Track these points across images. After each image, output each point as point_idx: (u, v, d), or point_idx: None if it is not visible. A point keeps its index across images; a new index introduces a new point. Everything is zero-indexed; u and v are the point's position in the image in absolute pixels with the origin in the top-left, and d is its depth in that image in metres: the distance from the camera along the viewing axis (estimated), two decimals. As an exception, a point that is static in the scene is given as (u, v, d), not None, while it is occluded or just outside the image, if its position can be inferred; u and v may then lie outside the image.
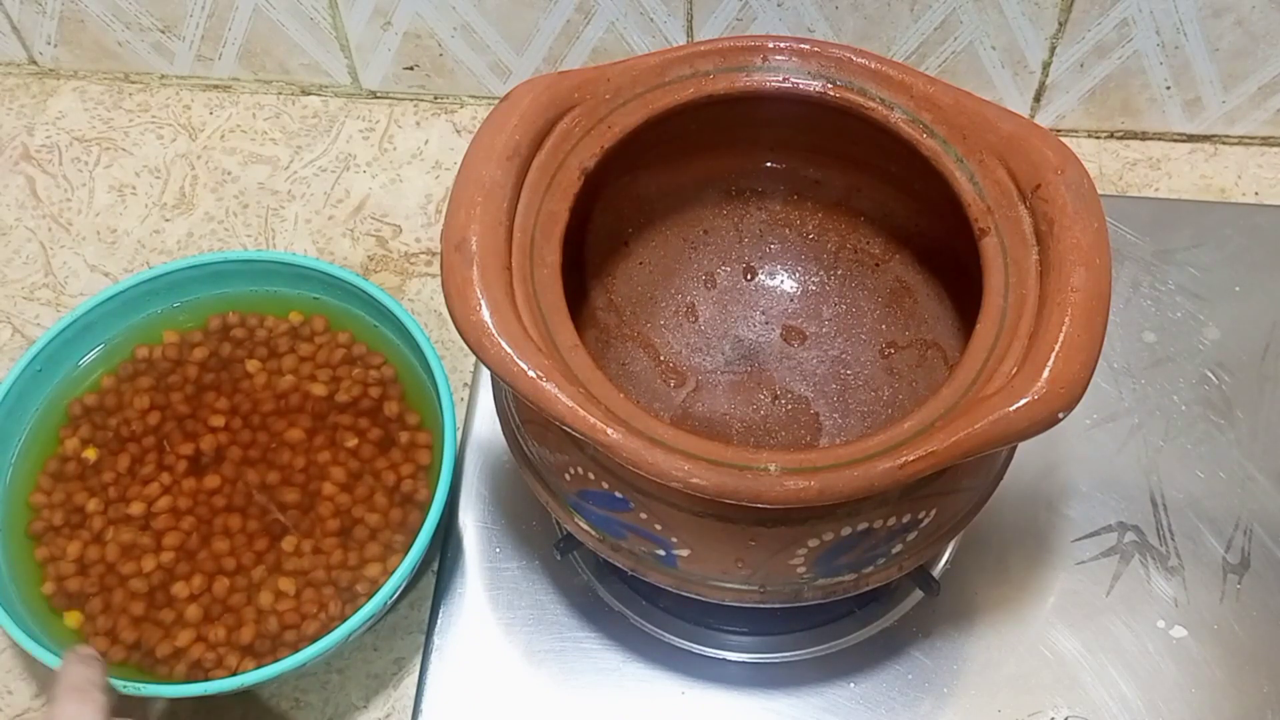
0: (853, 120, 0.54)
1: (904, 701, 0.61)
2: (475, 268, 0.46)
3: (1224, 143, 0.81)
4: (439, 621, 0.64)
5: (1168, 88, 0.77)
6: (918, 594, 0.63)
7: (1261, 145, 0.81)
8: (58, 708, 0.51)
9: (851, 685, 0.62)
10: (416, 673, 0.63)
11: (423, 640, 0.64)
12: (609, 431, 0.44)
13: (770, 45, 0.54)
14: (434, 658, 0.63)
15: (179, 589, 0.61)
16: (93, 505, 0.63)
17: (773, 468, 0.44)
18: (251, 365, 0.67)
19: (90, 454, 0.65)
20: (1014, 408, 0.44)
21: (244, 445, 0.65)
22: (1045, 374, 0.44)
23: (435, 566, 0.66)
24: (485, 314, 0.45)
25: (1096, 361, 0.45)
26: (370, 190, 0.81)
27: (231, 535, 0.62)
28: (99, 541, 0.62)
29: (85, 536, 0.62)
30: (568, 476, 0.51)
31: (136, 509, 0.63)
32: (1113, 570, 0.64)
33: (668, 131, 0.55)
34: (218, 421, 0.65)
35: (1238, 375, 0.70)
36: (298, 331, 0.69)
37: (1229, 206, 0.78)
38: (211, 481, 0.64)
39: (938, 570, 0.64)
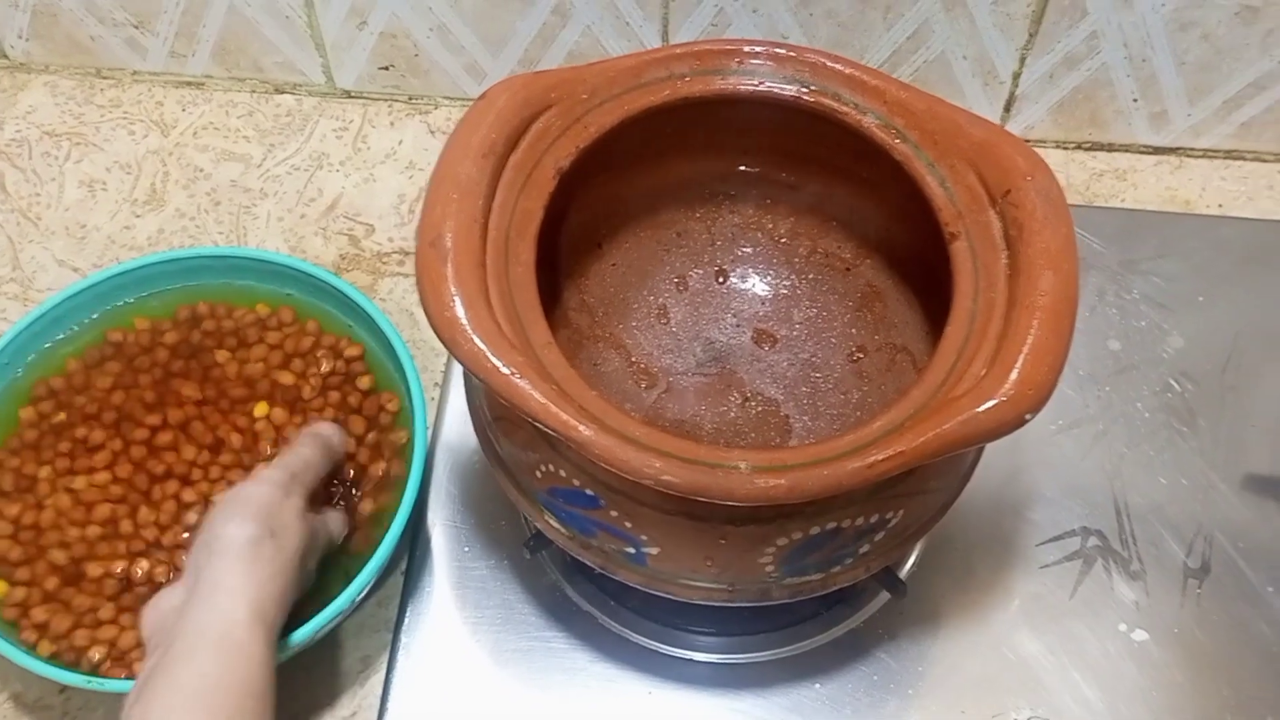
0: (826, 125, 0.55)
1: (869, 702, 0.61)
2: (450, 264, 0.46)
3: (1189, 155, 0.82)
4: (406, 620, 0.64)
5: (1135, 100, 0.78)
6: (884, 596, 0.64)
7: (1225, 159, 0.82)
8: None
9: (817, 686, 0.62)
10: (383, 671, 0.63)
11: (390, 639, 0.64)
12: (582, 428, 0.44)
13: (746, 49, 0.55)
14: (401, 656, 0.63)
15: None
16: (44, 474, 0.63)
17: (743, 466, 0.44)
18: (221, 355, 0.67)
19: (60, 417, 0.65)
20: (982, 409, 0.44)
21: (207, 436, 0.65)
22: (1013, 376, 0.44)
23: (404, 565, 0.66)
24: (459, 310, 0.46)
25: (1064, 364, 0.45)
26: (343, 189, 0.81)
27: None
28: (39, 507, 0.62)
29: (30, 501, 0.63)
30: (538, 474, 0.51)
31: (80, 483, 0.63)
32: (1076, 574, 0.65)
33: (643, 133, 0.55)
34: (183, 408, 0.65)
35: (1200, 384, 0.71)
36: (266, 323, 0.68)
37: (1193, 218, 0.79)
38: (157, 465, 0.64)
39: (904, 573, 0.65)
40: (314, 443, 0.60)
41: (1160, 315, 0.74)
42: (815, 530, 0.48)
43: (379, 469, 0.64)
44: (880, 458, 0.44)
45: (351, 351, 0.67)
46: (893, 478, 0.45)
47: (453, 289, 0.46)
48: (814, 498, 0.44)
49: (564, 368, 0.47)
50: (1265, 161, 0.82)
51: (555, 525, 0.52)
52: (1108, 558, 0.66)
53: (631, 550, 0.50)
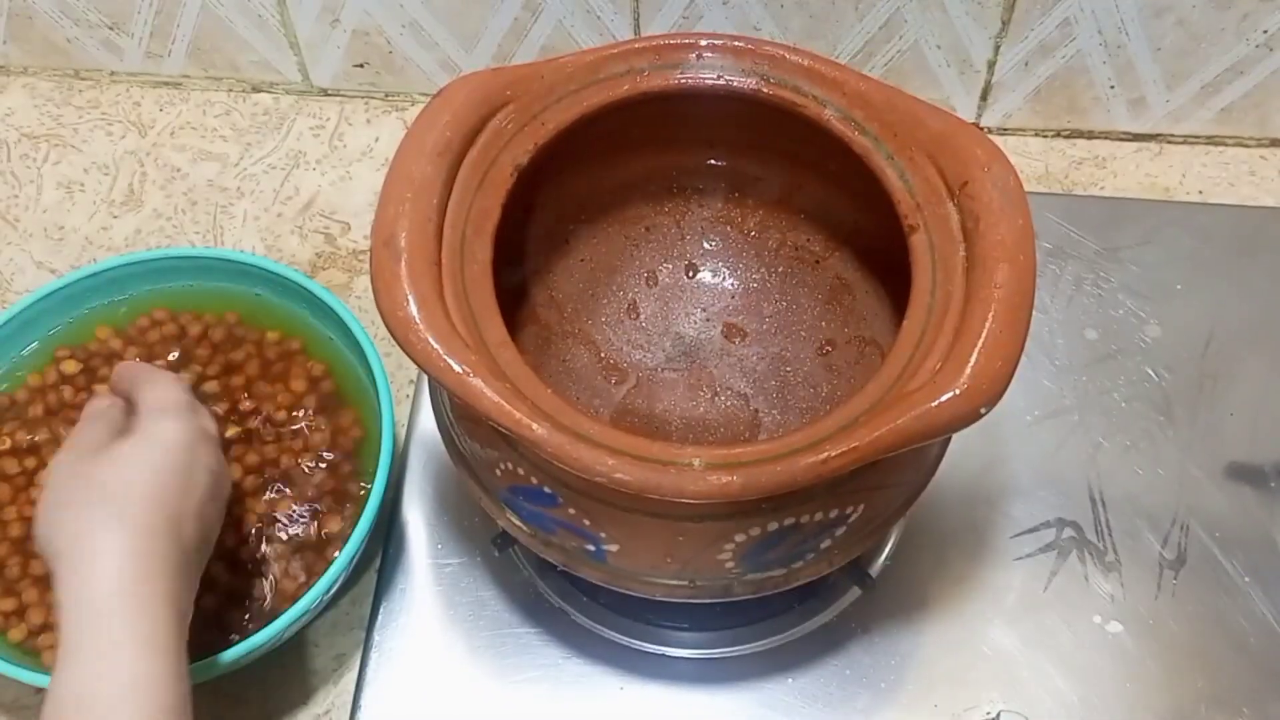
0: (788, 118, 0.54)
1: (842, 696, 0.61)
2: (403, 264, 0.46)
3: (1169, 142, 0.81)
4: (380, 618, 0.64)
5: (1112, 87, 0.78)
6: (857, 590, 0.64)
7: (1206, 144, 0.81)
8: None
9: (790, 680, 0.62)
10: (357, 669, 0.63)
11: (363, 636, 0.64)
12: (534, 427, 0.44)
13: (704, 43, 0.54)
14: (374, 653, 0.63)
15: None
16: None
17: (696, 463, 0.44)
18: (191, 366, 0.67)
19: (70, 367, 0.66)
20: (936, 403, 0.44)
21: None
22: (968, 370, 0.44)
23: (377, 563, 0.66)
24: (412, 309, 0.45)
25: (1019, 357, 0.45)
26: (320, 187, 0.81)
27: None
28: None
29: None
30: (498, 472, 0.51)
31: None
32: (1051, 566, 0.65)
33: (605, 128, 0.55)
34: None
35: (1178, 373, 0.71)
36: (235, 331, 0.68)
37: (1173, 205, 0.79)
38: None
39: (877, 565, 0.65)
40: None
41: (1138, 304, 0.74)
42: (774, 526, 0.48)
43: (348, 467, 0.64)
44: (834, 453, 0.44)
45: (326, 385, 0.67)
46: (851, 472, 0.45)
47: (406, 288, 0.46)
48: (768, 494, 0.44)
49: (519, 366, 0.47)
50: (1246, 146, 0.81)
51: (517, 523, 0.52)
52: (1083, 549, 0.65)
53: (591, 548, 0.50)
